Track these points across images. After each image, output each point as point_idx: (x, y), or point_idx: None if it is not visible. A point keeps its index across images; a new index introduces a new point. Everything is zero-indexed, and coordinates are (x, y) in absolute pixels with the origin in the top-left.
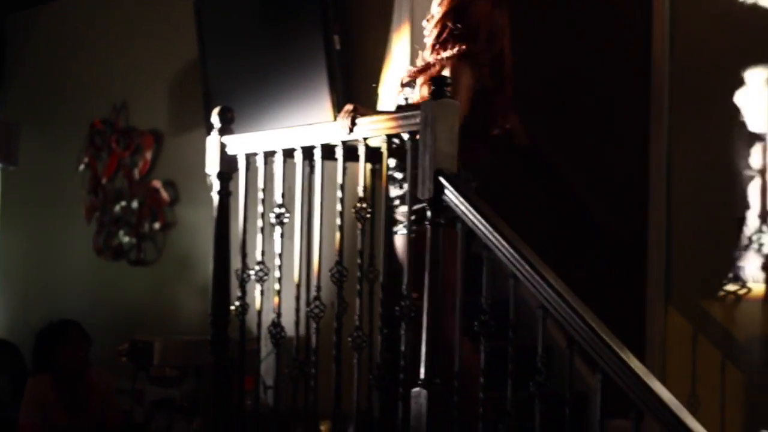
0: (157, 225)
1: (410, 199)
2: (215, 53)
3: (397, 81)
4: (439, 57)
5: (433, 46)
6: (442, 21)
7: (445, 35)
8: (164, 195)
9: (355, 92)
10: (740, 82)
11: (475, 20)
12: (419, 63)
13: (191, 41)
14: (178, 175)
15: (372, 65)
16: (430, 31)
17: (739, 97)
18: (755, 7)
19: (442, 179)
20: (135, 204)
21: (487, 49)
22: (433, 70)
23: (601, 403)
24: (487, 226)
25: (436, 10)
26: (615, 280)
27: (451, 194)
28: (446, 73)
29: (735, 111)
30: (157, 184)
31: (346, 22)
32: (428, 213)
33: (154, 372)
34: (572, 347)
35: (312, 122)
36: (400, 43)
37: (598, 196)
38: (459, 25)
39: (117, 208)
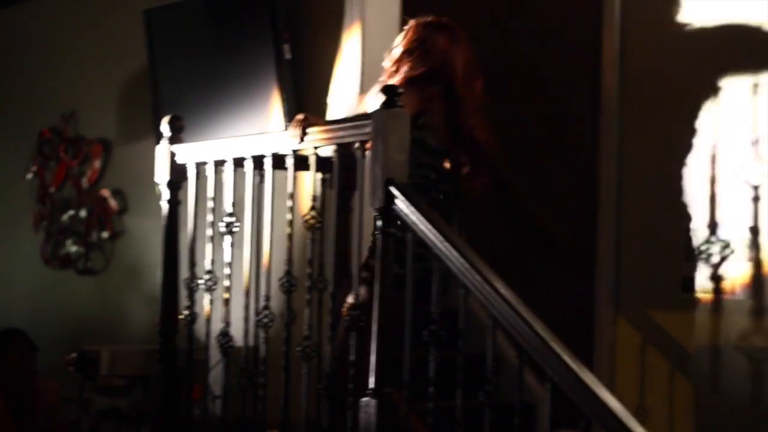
0: (105, 234)
1: (360, 208)
2: (165, 62)
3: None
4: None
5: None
6: (399, 60)
7: (397, 68)
8: (113, 204)
9: (305, 101)
10: (690, 95)
11: (431, 54)
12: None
13: (141, 50)
14: (127, 184)
15: (322, 73)
16: (388, 69)
17: (689, 110)
18: (702, 22)
19: (393, 189)
20: (83, 213)
21: (436, 70)
22: None
23: (550, 414)
24: (438, 235)
25: (396, 41)
26: (565, 292)
27: (402, 204)
28: None
29: (684, 123)
30: (105, 193)
31: (296, 31)
32: (378, 222)
33: (101, 382)
34: (522, 357)
35: (263, 131)
36: (350, 48)
37: (548, 207)
38: (413, 58)
39: (65, 217)
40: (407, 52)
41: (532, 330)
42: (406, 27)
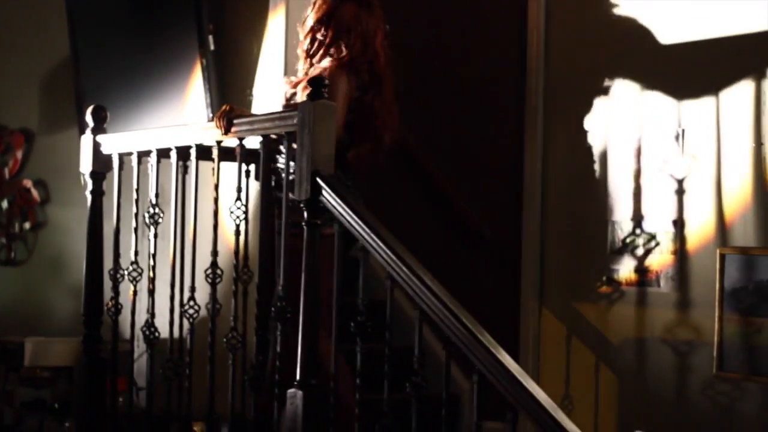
0: (27, 225)
1: (284, 200)
2: (88, 52)
3: (282, 95)
4: (315, 67)
5: (306, 56)
6: (312, 31)
7: (316, 45)
8: (35, 194)
9: (230, 92)
10: (612, 88)
11: (344, 26)
12: (300, 74)
13: (63, 38)
14: (50, 174)
15: (247, 64)
16: (301, 41)
17: (613, 104)
18: (626, 13)
19: (319, 180)
20: (5, 204)
21: (362, 54)
22: None
23: (477, 406)
24: (365, 227)
25: (307, 14)
26: (490, 285)
27: (328, 195)
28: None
29: (608, 116)
30: (27, 183)
31: (220, 21)
32: (305, 214)
33: (24, 373)
34: (449, 349)
35: (187, 123)
36: (274, 37)
37: (472, 199)
38: (328, 33)
39: None
40: (317, 24)
41: (460, 322)
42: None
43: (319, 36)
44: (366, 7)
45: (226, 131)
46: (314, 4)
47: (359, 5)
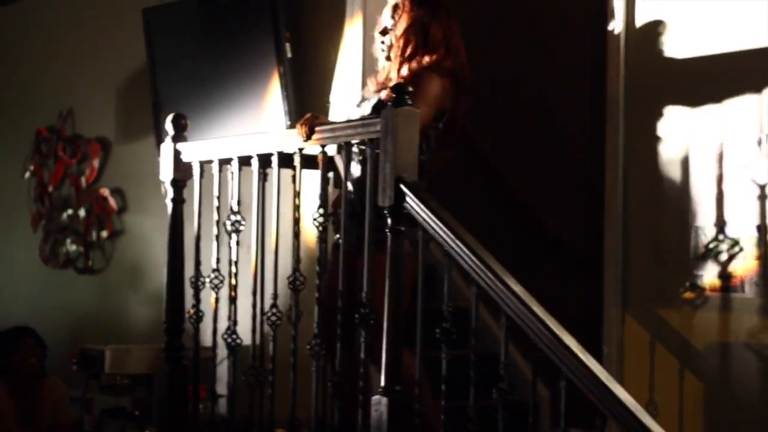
0: (104, 233)
1: (369, 206)
2: (164, 61)
3: (358, 95)
4: (409, 69)
5: (400, 61)
6: (405, 35)
7: (410, 49)
8: (112, 203)
9: (307, 100)
10: (693, 93)
11: (438, 35)
12: (381, 76)
13: (140, 49)
14: (127, 183)
15: (324, 71)
16: (389, 45)
17: (694, 109)
18: (706, 21)
19: (403, 187)
20: (82, 212)
21: (453, 62)
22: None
23: (564, 412)
24: (449, 233)
25: (389, 22)
26: (571, 291)
27: (412, 202)
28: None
29: (689, 120)
30: (104, 192)
31: (297, 28)
32: (389, 220)
33: (104, 380)
34: (536, 355)
35: (266, 130)
36: (352, 44)
37: (551, 206)
38: (421, 39)
39: (64, 216)
40: (411, 28)
41: (547, 328)
42: (394, 6)
43: (412, 40)
44: (454, 18)
45: (308, 138)
46: (398, 8)
47: (449, 15)
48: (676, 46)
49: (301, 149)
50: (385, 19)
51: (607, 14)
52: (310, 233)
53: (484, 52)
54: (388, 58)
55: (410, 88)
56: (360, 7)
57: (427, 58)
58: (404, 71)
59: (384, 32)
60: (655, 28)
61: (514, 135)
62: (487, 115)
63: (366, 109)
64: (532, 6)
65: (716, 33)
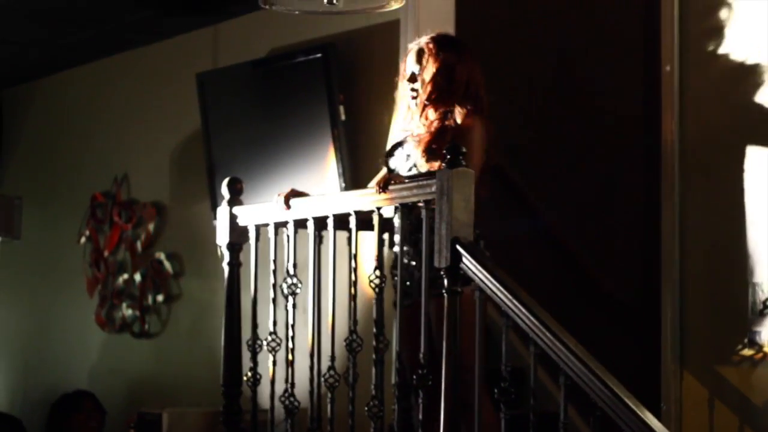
0: (160, 297)
1: (426, 266)
2: (219, 124)
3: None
4: (450, 117)
5: (425, 105)
6: (434, 80)
7: (437, 93)
8: (168, 267)
9: (361, 162)
10: (749, 145)
11: (463, 76)
12: (409, 122)
13: (193, 113)
14: (182, 247)
15: (378, 133)
16: (418, 91)
17: (749, 159)
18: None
19: (459, 248)
20: (138, 276)
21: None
22: (433, 129)
23: None
24: (506, 293)
25: (416, 68)
26: (628, 348)
27: (468, 262)
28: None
29: (745, 173)
30: (160, 256)
31: (350, 90)
32: (445, 281)
33: None
34: (596, 414)
35: (322, 193)
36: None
37: (607, 264)
38: (449, 83)
39: (119, 280)
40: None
41: (606, 386)
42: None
43: (440, 85)
44: (476, 57)
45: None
46: (423, 53)
47: (472, 55)
48: (730, 101)
49: (357, 211)
50: (411, 65)
51: (661, 78)
52: (367, 294)
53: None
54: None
55: (464, 149)
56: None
57: (465, 106)
58: (431, 115)
59: (412, 79)
60: (709, 82)
61: (566, 191)
62: (540, 167)
63: (400, 158)
64: (577, 48)
65: None
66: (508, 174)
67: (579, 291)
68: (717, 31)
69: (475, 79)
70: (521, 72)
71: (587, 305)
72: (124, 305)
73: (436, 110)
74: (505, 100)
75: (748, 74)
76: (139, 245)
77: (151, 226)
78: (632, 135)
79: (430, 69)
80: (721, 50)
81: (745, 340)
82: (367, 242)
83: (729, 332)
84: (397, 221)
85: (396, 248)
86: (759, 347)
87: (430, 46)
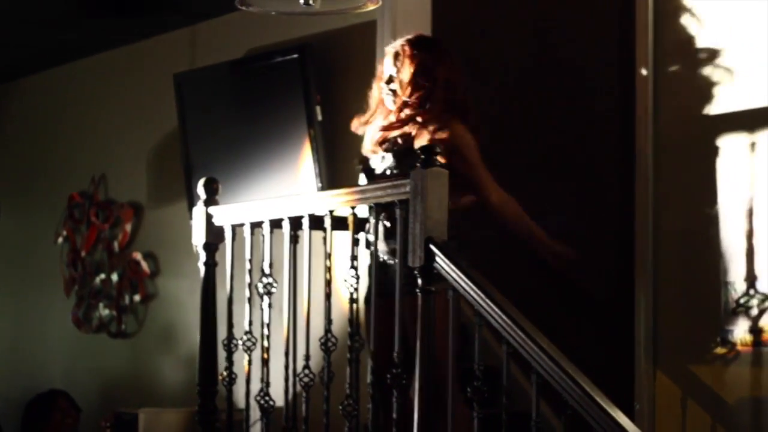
0: (137, 297)
1: (400, 266)
2: (196, 125)
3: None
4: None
5: (404, 104)
6: (413, 81)
7: (418, 95)
8: (145, 267)
9: (337, 162)
10: (723, 146)
11: (441, 77)
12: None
13: (171, 113)
14: (159, 247)
15: (355, 133)
16: (396, 92)
17: (723, 160)
18: (736, 73)
19: (433, 247)
20: (115, 276)
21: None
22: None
23: None
24: (479, 292)
25: (393, 70)
26: (602, 346)
27: (442, 262)
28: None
29: (719, 174)
30: (137, 256)
31: (327, 91)
32: (419, 281)
33: None
34: (567, 412)
35: (295, 193)
36: None
37: (581, 261)
38: (432, 83)
39: (96, 280)
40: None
41: (578, 385)
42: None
43: (421, 86)
44: (455, 57)
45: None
46: (399, 55)
47: (449, 54)
48: (705, 100)
49: (331, 211)
50: (388, 68)
51: (635, 79)
52: (341, 294)
53: (513, 109)
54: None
55: (439, 148)
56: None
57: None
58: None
59: (389, 81)
60: (684, 83)
61: (541, 189)
62: (514, 163)
63: (388, 159)
64: (557, 52)
65: (746, 87)
66: None
67: (553, 289)
68: (692, 19)
69: (453, 79)
70: (498, 67)
71: (561, 304)
72: (101, 305)
73: (416, 113)
74: (479, 94)
75: (723, 68)
76: (116, 245)
77: (128, 226)
78: (607, 133)
79: (408, 70)
80: (697, 43)
81: (718, 339)
82: (344, 242)
83: (702, 331)
84: (372, 221)
85: (372, 247)
86: (732, 346)
87: (406, 47)
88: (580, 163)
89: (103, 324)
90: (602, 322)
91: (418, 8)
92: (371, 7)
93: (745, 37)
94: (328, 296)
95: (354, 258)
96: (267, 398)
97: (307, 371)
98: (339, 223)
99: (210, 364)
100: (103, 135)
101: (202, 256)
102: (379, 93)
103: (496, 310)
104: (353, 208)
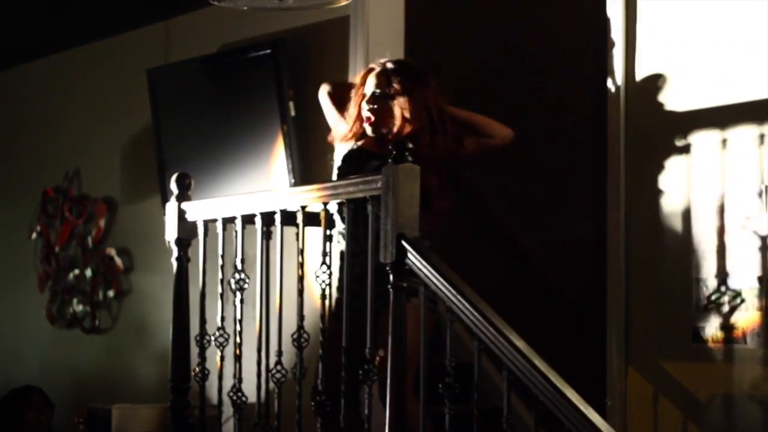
0: (111, 293)
1: (371, 262)
2: (169, 120)
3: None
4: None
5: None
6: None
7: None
8: (118, 263)
9: (310, 158)
10: (693, 144)
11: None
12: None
13: (144, 108)
14: (133, 242)
15: (328, 129)
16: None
17: (695, 161)
18: (707, 71)
19: (404, 243)
20: (89, 272)
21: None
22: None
23: None
24: (451, 289)
25: (376, 90)
26: (574, 342)
27: (413, 258)
28: None
29: (690, 172)
30: (111, 251)
31: (300, 87)
32: (390, 277)
33: None
34: (538, 409)
35: (268, 188)
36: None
37: (554, 258)
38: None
39: (70, 276)
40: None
41: (548, 381)
42: (378, 75)
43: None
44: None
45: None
46: (389, 82)
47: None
48: (675, 99)
49: (303, 207)
50: (370, 87)
51: (607, 71)
52: (313, 290)
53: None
54: (374, 124)
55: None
56: (363, 65)
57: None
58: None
59: (372, 100)
60: (654, 82)
61: (514, 186)
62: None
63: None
64: (532, 60)
65: (716, 85)
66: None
67: (526, 285)
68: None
69: (440, 101)
70: (471, 66)
71: (534, 300)
72: (74, 301)
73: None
74: (453, 93)
75: (696, 68)
76: (90, 241)
77: (102, 222)
78: (581, 135)
79: (407, 105)
80: (669, 44)
81: (690, 336)
82: (316, 238)
83: (674, 328)
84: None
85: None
86: (703, 343)
87: (399, 80)
88: (552, 160)
89: (76, 319)
90: (574, 319)
91: (391, 4)
92: (344, 2)
93: (716, 35)
94: (300, 292)
95: (325, 254)
96: (240, 394)
97: (279, 367)
98: (311, 219)
99: (183, 360)
100: (77, 130)
101: (175, 252)
102: (357, 110)
103: (468, 306)
104: (325, 204)
